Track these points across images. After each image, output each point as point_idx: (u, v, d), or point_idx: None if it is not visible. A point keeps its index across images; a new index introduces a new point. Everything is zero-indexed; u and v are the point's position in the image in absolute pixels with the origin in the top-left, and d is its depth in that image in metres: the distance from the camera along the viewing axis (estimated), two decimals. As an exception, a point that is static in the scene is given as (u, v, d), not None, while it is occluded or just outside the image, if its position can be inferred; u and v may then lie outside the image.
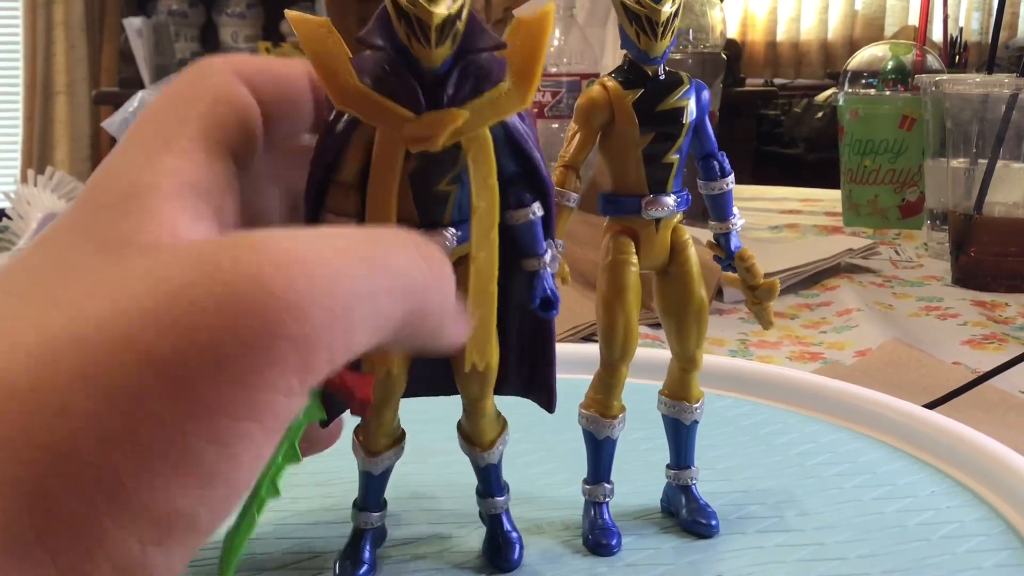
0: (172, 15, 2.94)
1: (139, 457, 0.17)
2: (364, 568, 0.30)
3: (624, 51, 0.30)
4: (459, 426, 0.30)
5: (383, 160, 0.25)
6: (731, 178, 0.32)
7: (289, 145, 0.28)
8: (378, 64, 0.24)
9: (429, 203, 0.26)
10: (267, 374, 0.18)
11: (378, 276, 0.20)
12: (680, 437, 0.33)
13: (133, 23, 2.75)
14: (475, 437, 0.30)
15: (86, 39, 3.45)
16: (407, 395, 0.29)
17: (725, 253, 0.32)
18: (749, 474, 0.37)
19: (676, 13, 0.29)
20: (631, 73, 0.30)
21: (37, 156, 3.34)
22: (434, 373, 0.29)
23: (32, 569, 0.16)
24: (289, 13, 0.25)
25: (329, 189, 0.26)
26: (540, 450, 0.39)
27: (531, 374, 0.30)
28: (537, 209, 0.27)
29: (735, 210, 0.32)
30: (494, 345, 0.27)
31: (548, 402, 0.30)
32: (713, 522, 0.33)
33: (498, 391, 0.29)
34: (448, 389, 0.29)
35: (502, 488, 0.31)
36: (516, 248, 0.27)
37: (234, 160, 0.24)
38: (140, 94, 1.46)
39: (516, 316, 0.29)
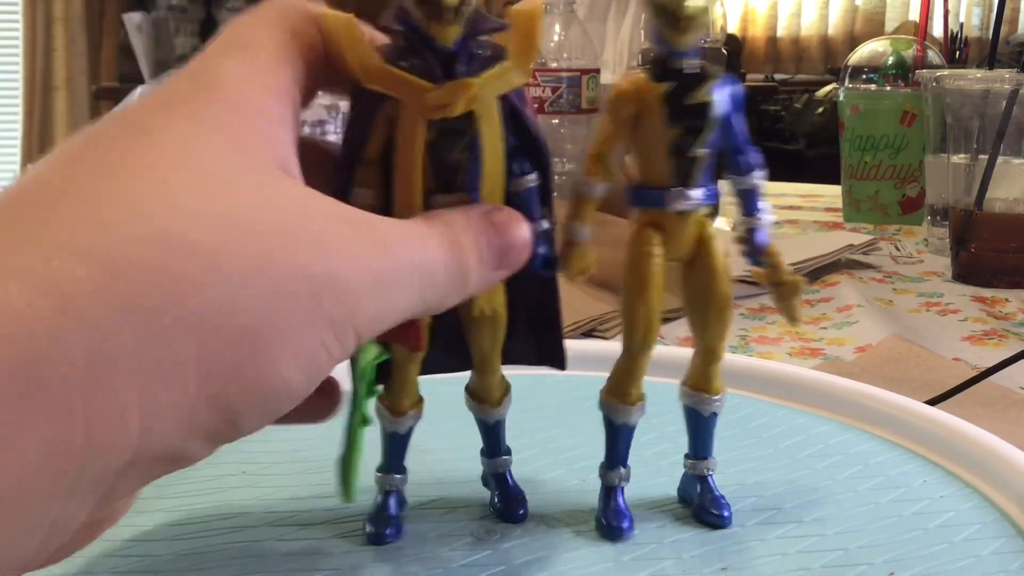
0: (172, 10, 2.94)
1: (282, 328, 0.21)
2: (392, 528, 0.32)
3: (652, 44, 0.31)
4: (467, 388, 0.33)
5: (407, 132, 0.28)
6: (760, 173, 0.32)
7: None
8: (398, 48, 0.28)
9: (443, 171, 0.28)
10: (360, 319, 0.23)
11: (420, 284, 0.25)
12: (698, 428, 0.33)
13: (133, 18, 2.75)
14: (485, 394, 0.33)
15: (86, 34, 3.44)
16: (423, 372, 0.32)
17: (750, 248, 0.32)
18: (742, 468, 0.38)
19: (705, 8, 0.29)
20: (660, 67, 0.30)
21: (37, 152, 3.34)
22: (447, 351, 0.32)
23: (179, 389, 0.20)
24: (316, 10, 0.27)
25: (357, 166, 0.28)
26: (535, 446, 0.40)
27: (540, 342, 0.32)
28: (535, 178, 0.30)
29: (763, 205, 0.32)
30: (501, 292, 0.30)
31: (560, 363, 0.33)
32: (726, 513, 0.33)
33: (511, 360, 0.32)
34: (460, 365, 0.32)
35: (506, 447, 0.34)
36: None
37: (303, 88, 0.27)
38: (139, 89, 1.46)
39: (522, 290, 0.31)
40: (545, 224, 0.30)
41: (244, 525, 0.33)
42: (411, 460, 0.38)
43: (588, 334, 0.63)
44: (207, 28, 3.04)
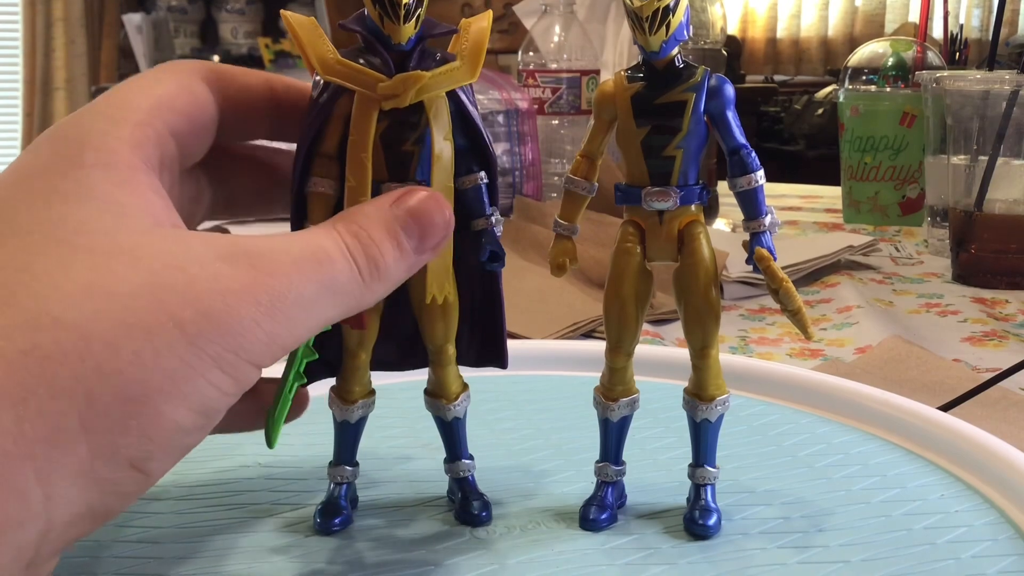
0: (171, 11, 2.94)
1: (162, 379, 0.23)
2: (340, 518, 0.32)
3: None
4: (425, 390, 0.33)
5: (360, 121, 0.29)
6: (759, 174, 0.31)
7: (241, 144, 0.33)
8: (356, 48, 0.29)
9: (397, 162, 0.30)
10: (249, 350, 0.24)
11: (324, 296, 0.26)
12: (695, 434, 0.33)
13: (133, 19, 2.75)
14: (440, 389, 0.33)
15: (85, 35, 3.44)
16: (376, 368, 0.32)
17: (748, 255, 0.31)
18: (757, 475, 0.37)
19: (669, 8, 0.29)
20: (640, 67, 0.31)
21: (36, 152, 3.33)
22: (401, 349, 0.33)
23: (71, 453, 0.22)
24: (283, 12, 0.29)
25: (315, 159, 0.30)
26: (549, 447, 0.39)
27: (482, 344, 0.33)
28: (483, 176, 0.31)
29: (768, 208, 0.31)
30: (452, 281, 0.31)
31: (502, 362, 0.34)
32: (710, 523, 0.32)
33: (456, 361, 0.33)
34: (415, 363, 0.33)
35: (467, 451, 0.34)
36: (465, 213, 0.31)
37: (178, 142, 0.29)
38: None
39: (466, 292, 0.32)
40: (492, 220, 0.31)
41: (249, 503, 0.34)
42: (421, 458, 0.38)
43: (588, 335, 0.63)
44: (207, 29, 3.04)
